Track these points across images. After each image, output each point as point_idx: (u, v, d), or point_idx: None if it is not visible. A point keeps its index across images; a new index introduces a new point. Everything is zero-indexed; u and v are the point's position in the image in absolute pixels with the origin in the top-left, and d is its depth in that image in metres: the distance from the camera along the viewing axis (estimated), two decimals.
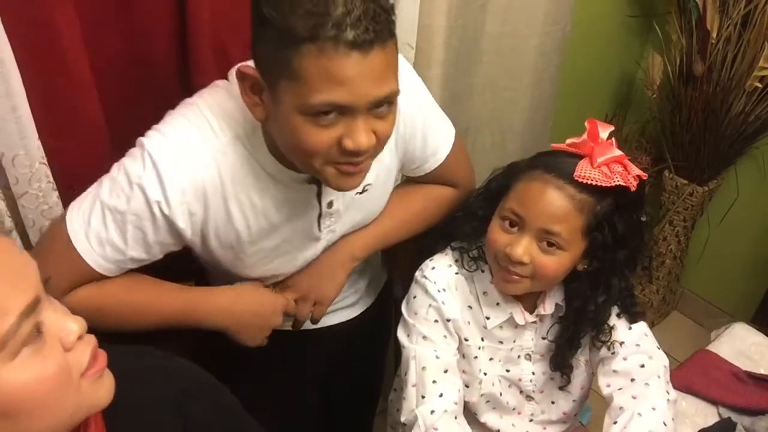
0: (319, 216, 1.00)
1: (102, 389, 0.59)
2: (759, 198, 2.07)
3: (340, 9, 0.71)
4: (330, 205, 0.99)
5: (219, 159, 0.88)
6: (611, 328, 1.05)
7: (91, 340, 0.59)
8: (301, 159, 0.84)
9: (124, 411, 0.61)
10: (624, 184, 0.92)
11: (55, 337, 0.55)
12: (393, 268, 1.35)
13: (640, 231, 1.01)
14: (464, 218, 1.08)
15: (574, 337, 1.06)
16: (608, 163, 0.93)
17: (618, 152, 0.94)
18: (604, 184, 0.91)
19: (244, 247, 0.97)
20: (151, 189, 0.85)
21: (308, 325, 1.13)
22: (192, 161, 0.86)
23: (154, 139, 0.87)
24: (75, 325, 0.57)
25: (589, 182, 0.91)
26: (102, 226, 0.87)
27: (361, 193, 1.02)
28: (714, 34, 1.77)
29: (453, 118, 1.15)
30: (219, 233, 0.94)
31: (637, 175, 0.94)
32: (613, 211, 0.95)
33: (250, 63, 0.82)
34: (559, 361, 1.09)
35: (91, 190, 0.89)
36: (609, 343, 1.05)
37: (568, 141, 0.98)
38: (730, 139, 1.92)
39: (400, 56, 1.04)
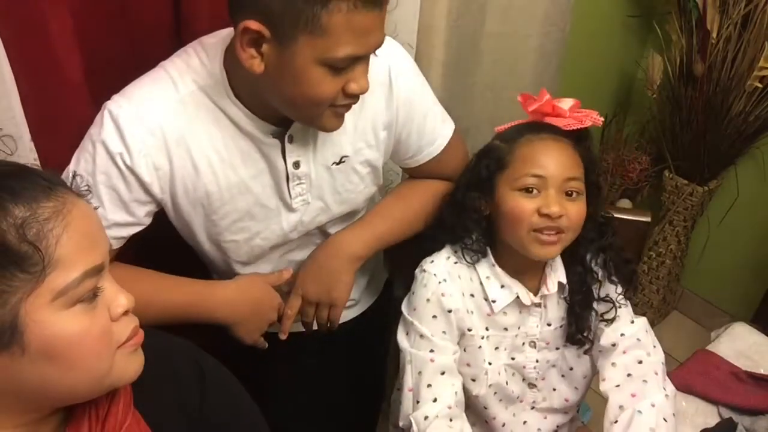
0: (287, 179, 1.00)
1: (133, 363, 0.64)
2: (759, 198, 2.07)
3: None
4: (296, 165, 0.99)
5: (179, 110, 0.91)
6: (614, 304, 1.08)
7: (135, 319, 0.64)
8: (305, 107, 0.88)
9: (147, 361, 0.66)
10: (592, 123, 1.03)
11: (106, 305, 0.61)
12: (395, 268, 1.35)
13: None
14: (465, 217, 1.07)
15: (586, 299, 1.09)
16: (572, 110, 1.04)
17: (570, 100, 1.06)
18: (583, 126, 1.02)
19: (215, 206, 0.98)
20: (112, 142, 0.88)
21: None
22: (150, 113, 0.89)
23: (114, 100, 0.90)
24: (125, 300, 0.62)
25: (575, 128, 1.01)
26: None
27: (337, 163, 1.03)
28: (714, 34, 1.77)
29: (453, 118, 1.15)
30: (188, 189, 0.95)
31: (593, 114, 1.04)
32: (584, 150, 1.05)
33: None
34: (579, 326, 1.09)
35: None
36: (613, 318, 1.08)
37: (531, 108, 1.07)
38: (730, 139, 1.92)
39: (403, 50, 1.05)
